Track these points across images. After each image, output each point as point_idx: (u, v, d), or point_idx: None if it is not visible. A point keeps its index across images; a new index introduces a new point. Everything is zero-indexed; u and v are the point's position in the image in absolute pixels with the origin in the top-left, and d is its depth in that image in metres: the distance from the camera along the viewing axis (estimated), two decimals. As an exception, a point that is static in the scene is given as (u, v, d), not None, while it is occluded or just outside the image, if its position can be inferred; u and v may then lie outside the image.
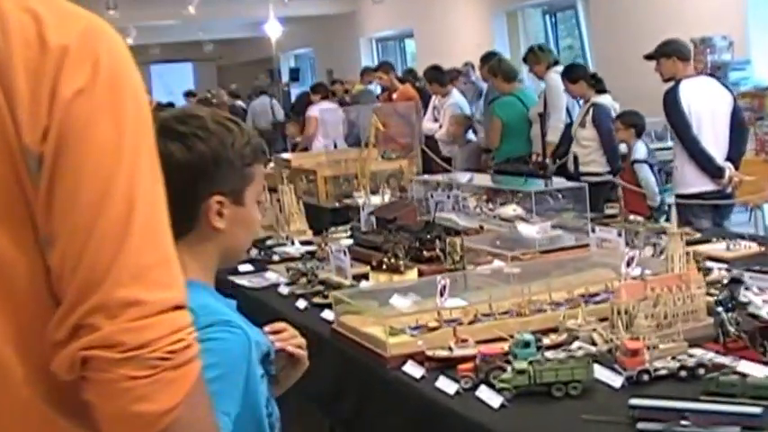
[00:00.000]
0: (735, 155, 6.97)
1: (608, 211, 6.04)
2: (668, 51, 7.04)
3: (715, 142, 6.87)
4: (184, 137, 2.06)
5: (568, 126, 8.35)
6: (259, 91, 18.03)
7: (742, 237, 4.72)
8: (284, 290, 4.72)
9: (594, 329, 3.33)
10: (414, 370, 3.25)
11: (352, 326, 3.69)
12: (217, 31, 23.04)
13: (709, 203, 6.88)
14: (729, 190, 6.92)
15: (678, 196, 7.03)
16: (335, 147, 12.01)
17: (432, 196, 6.29)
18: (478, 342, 3.30)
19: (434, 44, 16.68)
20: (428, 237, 4.90)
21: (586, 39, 13.90)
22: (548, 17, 15.08)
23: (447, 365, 3.19)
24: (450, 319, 3.54)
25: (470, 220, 5.58)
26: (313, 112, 12.26)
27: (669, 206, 7.36)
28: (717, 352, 3.13)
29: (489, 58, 9.49)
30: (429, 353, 3.29)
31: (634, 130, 7.46)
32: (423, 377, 3.19)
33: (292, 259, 5.43)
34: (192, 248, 2.06)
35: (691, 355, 3.02)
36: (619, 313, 3.32)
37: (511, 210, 5.33)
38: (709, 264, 4.32)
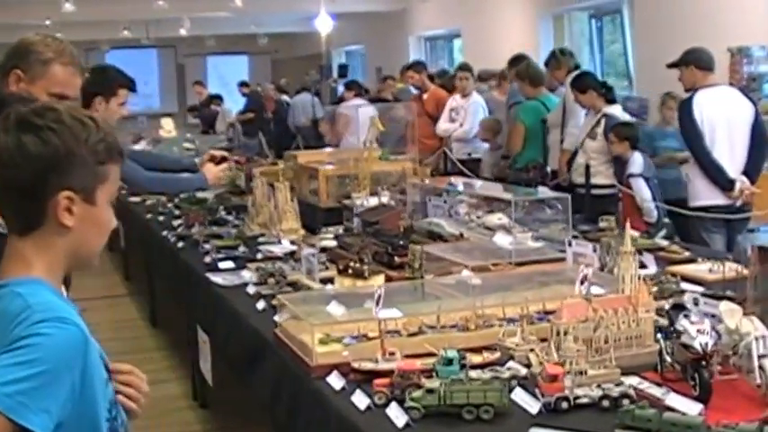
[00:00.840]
0: (752, 168, 6.77)
1: (601, 225, 5.81)
2: (688, 60, 6.86)
3: (730, 155, 6.70)
4: (39, 129, 1.98)
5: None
6: (300, 87, 17.99)
7: (728, 259, 4.46)
8: (251, 289, 4.61)
9: (532, 350, 3.16)
10: (336, 381, 3.11)
11: (290, 332, 3.57)
12: (270, 24, 23.07)
13: (719, 217, 6.64)
14: (739, 203, 6.70)
15: (690, 209, 6.82)
16: (365, 145, 11.93)
17: (429, 200, 6.16)
18: (411, 356, 3.16)
19: (480, 45, 16.43)
20: (401, 243, 4.77)
21: (630, 43, 13.58)
22: (594, 21, 14.78)
23: (370, 379, 3.05)
24: (393, 330, 3.39)
25: (459, 227, 5.42)
26: (343, 109, 12.14)
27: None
28: (654, 382, 2.95)
29: (518, 62, 9.23)
30: (355, 364, 3.15)
31: (628, 142, 7.18)
32: (343, 389, 3.05)
33: (276, 258, 5.32)
34: (38, 245, 2.01)
35: (618, 384, 2.84)
36: (558, 334, 3.15)
37: (496, 218, 5.15)
38: (685, 285, 4.14)
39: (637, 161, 7.09)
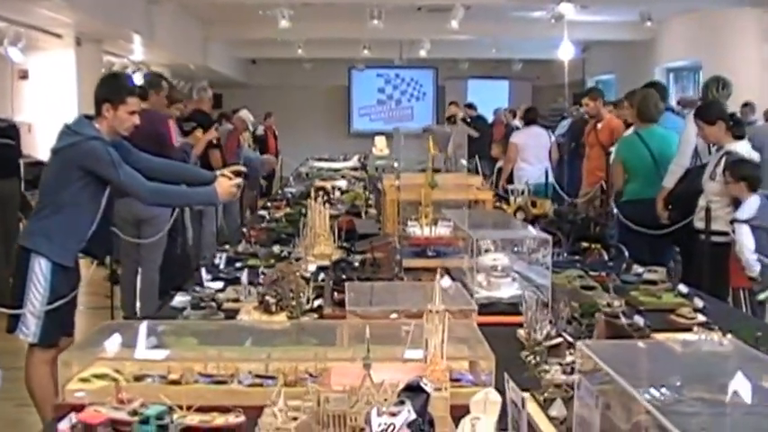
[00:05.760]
0: None
1: (647, 276, 4.92)
2: None
3: None
4: None
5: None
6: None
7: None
8: (189, 312, 4.25)
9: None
10: (64, 424, 2.68)
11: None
12: (524, 51, 22.61)
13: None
14: None
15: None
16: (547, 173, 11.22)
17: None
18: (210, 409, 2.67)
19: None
20: (343, 277, 4.23)
21: None
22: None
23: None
24: (160, 373, 2.92)
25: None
26: (515, 137, 11.55)
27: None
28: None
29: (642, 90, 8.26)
30: (92, 408, 2.71)
31: (745, 183, 6.10)
32: (61, 434, 2.63)
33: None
34: None
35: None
36: (319, 404, 2.55)
37: (490, 259, 4.45)
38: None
39: (748, 206, 6.04)
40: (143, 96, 5.09)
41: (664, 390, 2.48)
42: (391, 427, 2.05)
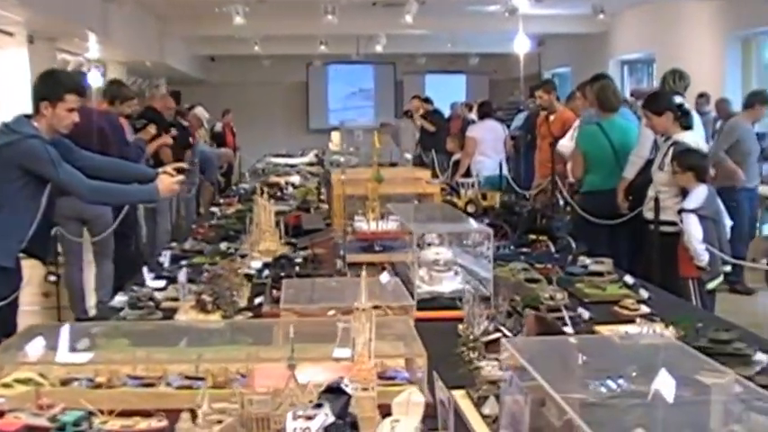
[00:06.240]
0: None
1: (593, 267, 4.86)
2: None
3: None
4: None
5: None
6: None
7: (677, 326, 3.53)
8: (126, 312, 4.13)
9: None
10: (-17, 432, 2.58)
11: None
12: (478, 44, 22.56)
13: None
14: None
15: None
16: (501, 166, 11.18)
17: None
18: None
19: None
20: (281, 274, 4.14)
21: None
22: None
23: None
24: (87, 377, 2.81)
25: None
26: (471, 131, 11.51)
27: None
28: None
29: (597, 81, 8.20)
30: (12, 415, 2.60)
31: (693, 173, 6.07)
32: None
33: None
34: None
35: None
36: (243, 406, 2.46)
37: (432, 253, 4.36)
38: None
39: (696, 195, 6.00)
40: (81, 93, 4.94)
41: (599, 384, 2.42)
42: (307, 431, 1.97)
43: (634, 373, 2.38)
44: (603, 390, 2.35)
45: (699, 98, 13.17)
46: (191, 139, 11.68)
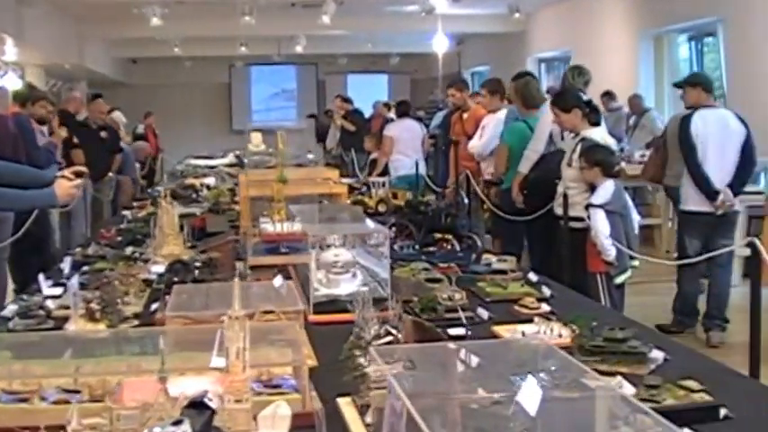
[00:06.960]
0: (737, 183, 7.28)
1: (497, 266, 4.79)
2: (696, 81, 7.57)
3: (719, 168, 7.24)
4: None
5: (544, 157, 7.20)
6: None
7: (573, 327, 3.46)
8: (15, 322, 3.94)
9: None
10: None
11: None
12: (398, 44, 22.58)
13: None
14: (720, 212, 7.27)
15: (681, 212, 7.67)
16: (417, 165, 11.11)
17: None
18: None
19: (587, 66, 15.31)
20: (174, 280, 3.99)
21: (724, 65, 12.19)
22: (693, 43, 13.49)
23: None
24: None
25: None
26: (389, 130, 11.45)
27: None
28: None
29: (520, 78, 8.22)
30: None
31: (599, 168, 6.05)
32: None
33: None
34: None
35: None
36: (112, 422, 2.31)
37: (331, 255, 4.23)
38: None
39: (603, 190, 5.98)
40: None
41: (481, 391, 2.33)
42: (161, 451, 1.84)
43: (518, 378, 2.30)
44: (484, 394, 2.26)
45: (603, 96, 13.29)
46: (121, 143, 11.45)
